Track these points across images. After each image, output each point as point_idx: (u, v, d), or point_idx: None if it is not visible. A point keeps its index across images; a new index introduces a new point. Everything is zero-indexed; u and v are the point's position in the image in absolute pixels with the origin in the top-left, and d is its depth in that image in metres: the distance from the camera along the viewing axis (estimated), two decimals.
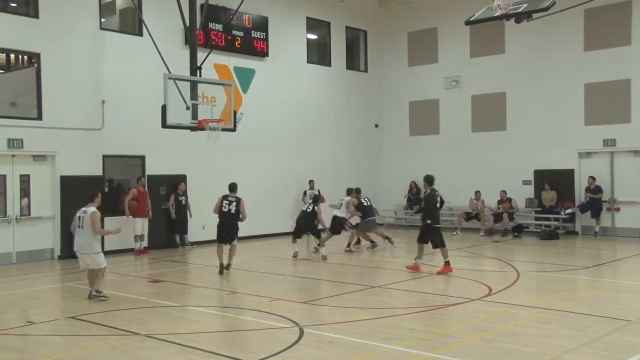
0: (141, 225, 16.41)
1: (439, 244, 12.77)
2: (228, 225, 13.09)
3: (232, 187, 13.31)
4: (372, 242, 16.77)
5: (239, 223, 13.23)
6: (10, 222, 14.92)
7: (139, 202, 16.35)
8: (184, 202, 17.53)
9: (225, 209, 13.01)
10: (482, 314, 9.13)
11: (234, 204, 12.98)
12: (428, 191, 12.92)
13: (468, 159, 21.89)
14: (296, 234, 15.59)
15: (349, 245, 16.47)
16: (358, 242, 17.08)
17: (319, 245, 15.44)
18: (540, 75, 20.27)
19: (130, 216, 16.28)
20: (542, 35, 19.95)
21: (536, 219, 19.88)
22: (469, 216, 20.33)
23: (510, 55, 20.95)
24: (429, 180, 12.96)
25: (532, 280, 12.17)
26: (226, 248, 13.30)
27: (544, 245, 17.13)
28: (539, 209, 19.84)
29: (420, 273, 12.70)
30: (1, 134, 14.73)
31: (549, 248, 16.63)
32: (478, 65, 21.70)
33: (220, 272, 12.92)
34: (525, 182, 20.40)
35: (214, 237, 18.34)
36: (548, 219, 19.31)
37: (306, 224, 15.49)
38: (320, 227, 15.85)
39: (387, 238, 16.82)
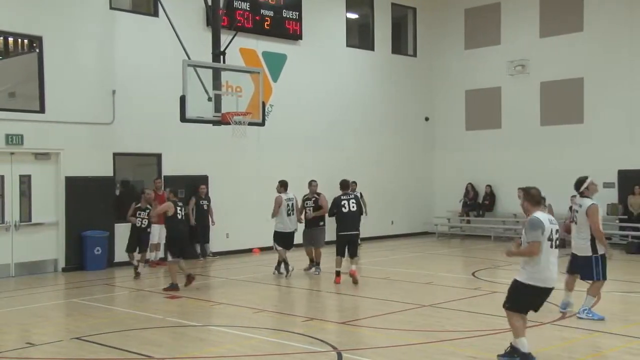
0: (158, 233, 16.55)
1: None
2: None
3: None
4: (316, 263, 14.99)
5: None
6: (8, 229, 15.20)
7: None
8: (205, 207, 17.65)
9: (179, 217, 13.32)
10: (555, 340, 8.98)
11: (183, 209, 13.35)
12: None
13: (536, 157, 21.57)
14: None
15: None
16: None
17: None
18: (628, 57, 19.94)
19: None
20: (632, 8, 19.57)
21: (621, 228, 19.47)
22: None
23: (590, 34, 20.65)
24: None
25: (617, 302, 11.91)
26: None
27: (632, 260, 16.80)
28: (625, 217, 19.41)
29: (479, 290, 12.55)
30: None
31: (634, 263, 16.27)
32: (549, 46, 21.43)
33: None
34: (607, 185, 19.96)
35: (241, 246, 18.73)
36: (637, 229, 18.84)
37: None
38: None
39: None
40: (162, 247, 16.81)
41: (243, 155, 18.75)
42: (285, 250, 14.75)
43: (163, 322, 10.31)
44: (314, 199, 14.82)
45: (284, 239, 14.71)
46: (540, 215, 7.48)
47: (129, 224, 15.29)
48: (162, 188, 16.81)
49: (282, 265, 14.79)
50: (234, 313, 11.13)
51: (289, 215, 14.61)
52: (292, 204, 14.73)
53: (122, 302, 12.55)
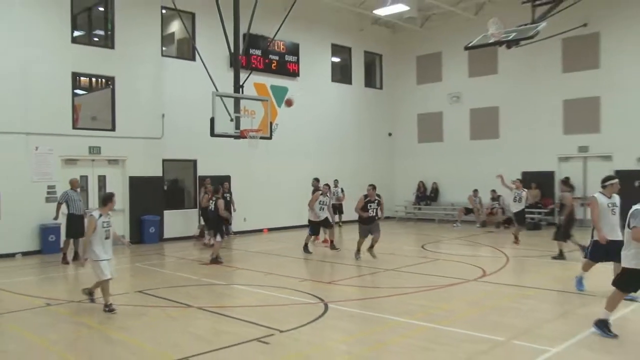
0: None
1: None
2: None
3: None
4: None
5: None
6: None
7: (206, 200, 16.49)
8: (228, 199, 17.60)
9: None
10: (478, 292, 9.16)
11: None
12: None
13: (467, 162, 21.82)
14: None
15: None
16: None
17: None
18: (528, 92, 20.18)
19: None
20: (529, 59, 19.81)
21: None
22: (467, 211, 20.29)
23: (503, 76, 20.85)
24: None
25: (519, 263, 12.11)
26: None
27: (529, 235, 16.96)
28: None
29: (426, 258, 12.75)
30: (84, 143, 15.19)
31: (533, 237, 16.51)
32: (475, 83, 21.60)
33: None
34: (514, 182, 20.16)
35: (255, 227, 18.83)
36: (533, 213, 19.15)
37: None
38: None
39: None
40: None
41: (256, 161, 18.81)
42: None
43: (199, 281, 10.41)
44: (376, 201, 12.52)
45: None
46: None
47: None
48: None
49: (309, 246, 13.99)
50: (250, 275, 11.16)
51: (321, 210, 13.90)
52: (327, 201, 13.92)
53: (170, 267, 12.64)
